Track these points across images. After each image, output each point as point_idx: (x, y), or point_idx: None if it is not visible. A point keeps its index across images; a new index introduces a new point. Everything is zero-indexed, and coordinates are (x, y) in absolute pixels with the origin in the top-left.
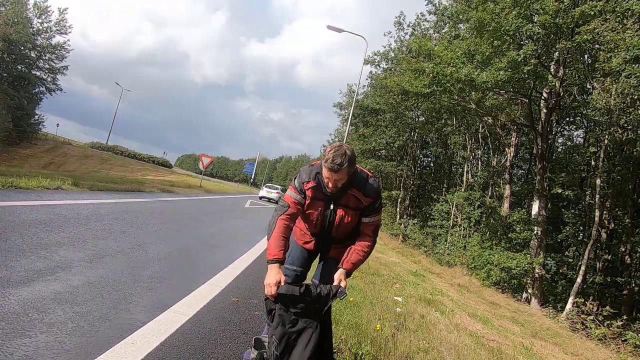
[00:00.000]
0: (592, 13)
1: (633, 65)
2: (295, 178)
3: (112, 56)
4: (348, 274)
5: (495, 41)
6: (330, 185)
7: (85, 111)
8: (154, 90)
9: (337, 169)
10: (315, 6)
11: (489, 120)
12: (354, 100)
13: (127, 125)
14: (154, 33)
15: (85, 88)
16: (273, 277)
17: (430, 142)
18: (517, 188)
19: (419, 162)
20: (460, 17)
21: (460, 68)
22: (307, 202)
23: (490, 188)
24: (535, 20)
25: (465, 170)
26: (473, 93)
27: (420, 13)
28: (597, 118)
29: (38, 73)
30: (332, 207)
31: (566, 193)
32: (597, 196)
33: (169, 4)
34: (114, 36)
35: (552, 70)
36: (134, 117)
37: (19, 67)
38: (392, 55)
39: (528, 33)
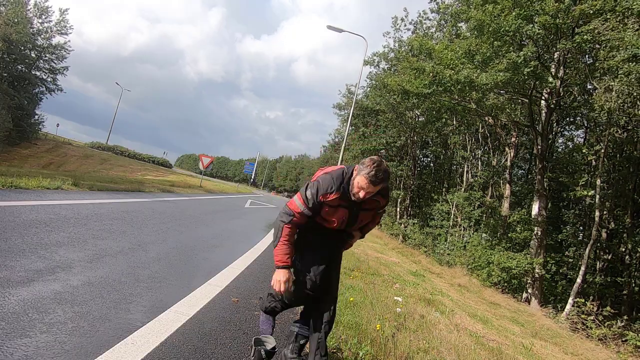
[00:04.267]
0: (592, 12)
1: (631, 63)
2: (306, 187)
3: (107, 54)
4: None
5: (496, 41)
6: (362, 195)
7: (82, 110)
8: (151, 88)
9: (378, 183)
10: (313, 3)
11: (489, 120)
12: (354, 101)
13: (126, 124)
14: (149, 30)
15: (80, 86)
16: (283, 276)
17: (430, 142)
18: (517, 188)
19: (419, 162)
20: (461, 16)
21: (460, 70)
22: (326, 209)
23: (490, 188)
24: (535, 20)
25: (465, 170)
26: (473, 93)
27: (423, 11)
28: (598, 118)
29: (38, 73)
30: (355, 210)
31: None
32: (597, 196)
33: (164, 0)
34: (108, 33)
35: (552, 70)
36: (132, 116)
37: (19, 67)
38: (392, 55)
39: (528, 33)
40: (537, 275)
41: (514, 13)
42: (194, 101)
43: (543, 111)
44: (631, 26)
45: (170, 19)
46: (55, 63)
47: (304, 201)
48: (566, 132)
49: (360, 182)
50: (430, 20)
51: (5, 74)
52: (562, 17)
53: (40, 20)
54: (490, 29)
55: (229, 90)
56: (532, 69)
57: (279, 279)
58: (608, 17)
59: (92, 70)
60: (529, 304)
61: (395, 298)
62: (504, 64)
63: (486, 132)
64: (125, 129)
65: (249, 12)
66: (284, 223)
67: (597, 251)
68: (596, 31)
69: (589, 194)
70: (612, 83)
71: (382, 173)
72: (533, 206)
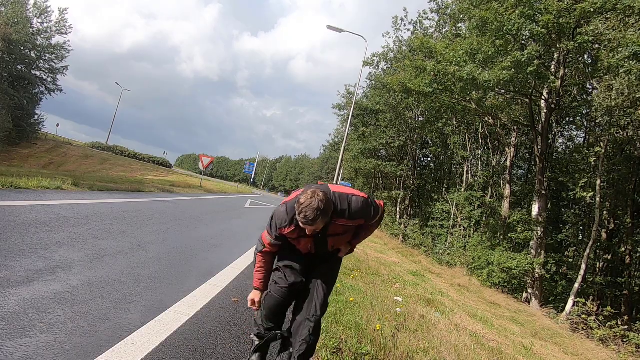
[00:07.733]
0: (592, 10)
1: (631, 61)
2: (271, 219)
3: (102, 52)
4: None
5: (498, 40)
6: (308, 233)
7: (79, 109)
8: (147, 87)
9: (311, 223)
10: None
11: (489, 120)
12: (354, 102)
13: (124, 124)
14: (144, 27)
15: (76, 84)
16: (254, 295)
17: (430, 142)
18: (517, 188)
19: (419, 162)
20: (462, 16)
21: (463, 67)
22: (290, 238)
23: (490, 188)
24: (538, 19)
25: (465, 170)
26: (474, 92)
27: (423, 11)
28: (598, 118)
29: (38, 73)
30: (319, 237)
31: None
32: (598, 196)
33: None
34: (103, 30)
35: (552, 70)
36: (130, 115)
37: (19, 67)
38: (392, 55)
39: (530, 33)
40: (537, 275)
41: (517, 11)
42: (191, 99)
43: (543, 111)
44: (632, 25)
45: (165, 15)
46: (55, 63)
47: (269, 233)
48: (566, 132)
49: (300, 223)
50: (430, 20)
51: (5, 74)
52: (565, 16)
53: (40, 20)
54: (492, 28)
55: (226, 88)
56: (535, 67)
57: (250, 297)
58: (609, 16)
59: (87, 68)
60: (529, 304)
61: (395, 298)
62: (507, 62)
63: (486, 132)
64: (123, 129)
65: (246, 9)
66: (257, 251)
67: (597, 251)
68: (597, 31)
69: (589, 195)
70: (614, 82)
71: (312, 213)
72: (533, 206)
